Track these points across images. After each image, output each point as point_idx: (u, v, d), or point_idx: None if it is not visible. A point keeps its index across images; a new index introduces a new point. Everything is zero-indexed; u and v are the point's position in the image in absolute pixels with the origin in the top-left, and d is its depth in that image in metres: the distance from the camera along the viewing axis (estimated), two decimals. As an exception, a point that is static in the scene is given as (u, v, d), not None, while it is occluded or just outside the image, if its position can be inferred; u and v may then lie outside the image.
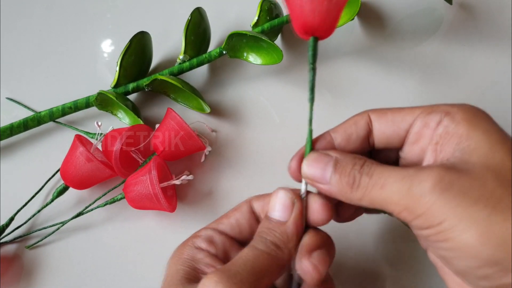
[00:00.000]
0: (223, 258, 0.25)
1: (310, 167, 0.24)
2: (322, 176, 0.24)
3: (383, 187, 0.21)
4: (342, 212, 0.27)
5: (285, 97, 0.39)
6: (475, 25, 0.41)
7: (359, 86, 0.39)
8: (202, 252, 0.25)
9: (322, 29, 0.24)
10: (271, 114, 0.38)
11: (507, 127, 0.36)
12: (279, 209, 0.24)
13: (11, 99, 0.40)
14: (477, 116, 0.22)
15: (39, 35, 0.43)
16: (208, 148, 0.36)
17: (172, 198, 0.34)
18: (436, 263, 0.24)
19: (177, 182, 0.33)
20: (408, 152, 0.25)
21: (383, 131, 0.25)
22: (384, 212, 0.26)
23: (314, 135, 0.26)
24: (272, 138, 0.37)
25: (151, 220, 0.35)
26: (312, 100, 0.26)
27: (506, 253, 0.19)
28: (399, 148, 0.25)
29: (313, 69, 0.25)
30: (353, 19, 0.39)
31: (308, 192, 0.25)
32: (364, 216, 0.28)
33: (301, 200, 0.25)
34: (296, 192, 0.25)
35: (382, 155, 0.27)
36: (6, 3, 0.44)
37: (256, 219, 0.26)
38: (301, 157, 0.26)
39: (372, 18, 0.42)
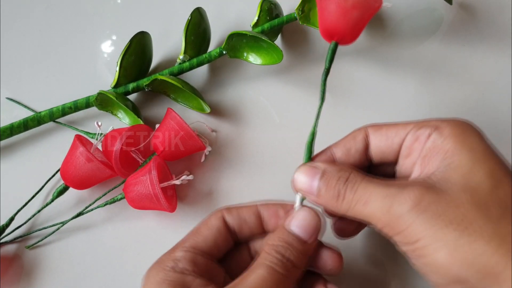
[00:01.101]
0: (208, 279, 0.24)
1: (299, 180, 0.25)
2: (310, 188, 0.24)
3: (366, 204, 0.22)
4: (344, 227, 0.28)
5: (285, 97, 0.39)
6: (475, 25, 0.41)
7: (359, 86, 0.39)
8: (189, 275, 0.24)
9: (347, 37, 0.25)
10: (271, 114, 0.38)
11: (507, 127, 0.37)
12: (304, 226, 0.24)
13: (11, 99, 0.40)
14: (465, 131, 0.23)
15: (39, 35, 0.43)
16: (208, 148, 0.36)
17: (172, 198, 0.34)
18: None
19: (177, 182, 0.33)
20: (401, 166, 0.25)
21: (378, 145, 0.26)
22: None
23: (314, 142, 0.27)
24: (272, 138, 0.37)
25: (151, 220, 0.35)
26: (322, 100, 0.27)
27: (472, 273, 0.20)
28: (394, 163, 0.26)
29: (328, 71, 0.26)
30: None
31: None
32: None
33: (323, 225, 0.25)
34: (323, 217, 0.25)
35: (380, 169, 0.28)
36: (6, 3, 0.44)
37: (231, 234, 0.26)
38: None
39: (372, 18, 0.42)
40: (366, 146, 0.26)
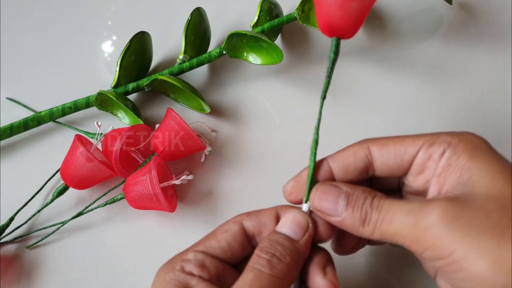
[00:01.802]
0: (217, 282, 0.24)
1: (321, 200, 0.24)
2: (334, 209, 0.24)
3: (391, 222, 0.22)
4: (344, 243, 0.27)
5: (285, 97, 0.39)
6: (475, 25, 0.41)
7: (359, 86, 0.39)
8: (194, 278, 0.23)
9: (347, 29, 0.25)
10: (271, 114, 0.38)
11: (507, 128, 0.37)
12: (292, 226, 0.24)
13: (11, 99, 0.40)
14: (478, 146, 0.22)
15: (39, 35, 0.43)
16: (208, 148, 0.36)
17: (172, 198, 0.34)
18: None
19: (177, 182, 0.33)
20: (412, 182, 0.25)
21: (385, 163, 0.25)
22: (389, 244, 0.27)
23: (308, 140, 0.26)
24: (272, 138, 0.37)
25: (151, 220, 0.35)
26: (323, 98, 0.26)
27: None
28: (401, 176, 0.26)
29: (332, 69, 0.26)
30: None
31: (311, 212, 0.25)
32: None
33: (314, 223, 0.25)
34: (309, 215, 0.25)
35: (383, 181, 0.28)
36: (6, 3, 0.44)
37: (249, 240, 0.26)
38: (299, 182, 0.26)
39: (372, 18, 0.42)
40: (367, 164, 0.25)
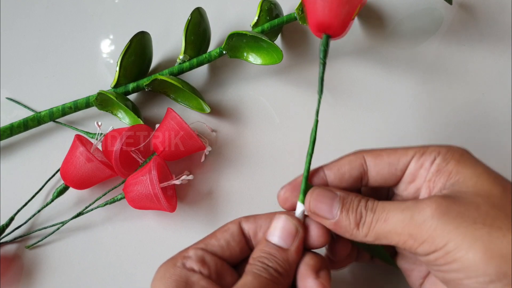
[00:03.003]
0: (216, 279, 0.24)
1: (316, 202, 0.25)
2: (329, 212, 0.24)
3: (386, 221, 0.23)
4: (337, 251, 0.27)
5: (285, 97, 0.39)
6: (475, 25, 0.41)
7: (359, 86, 0.39)
8: (195, 274, 0.24)
9: (335, 28, 0.25)
10: (271, 114, 0.38)
11: (507, 127, 0.37)
12: (281, 235, 0.25)
13: (11, 99, 0.40)
14: (464, 155, 0.24)
15: (39, 35, 0.43)
16: (208, 148, 0.36)
17: (172, 198, 0.34)
18: None
19: (177, 182, 0.33)
20: (403, 190, 0.26)
21: (380, 173, 0.26)
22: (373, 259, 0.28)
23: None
24: (272, 138, 0.37)
25: (151, 220, 0.35)
26: (321, 92, 0.26)
27: None
28: (393, 185, 0.26)
29: (323, 64, 0.26)
30: (353, 19, 0.39)
31: (305, 216, 0.26)
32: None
33: (303, 227, 0.25)
34: (298, 219, 0.25)
35: (374, 191, 0.28)
36: (6, 3, 0.44)
37: (246, 241, 0.26)
38: (293, 188, 0.26)
39: (372, 18, 0.42)
40: (362, 173, 0.26)
